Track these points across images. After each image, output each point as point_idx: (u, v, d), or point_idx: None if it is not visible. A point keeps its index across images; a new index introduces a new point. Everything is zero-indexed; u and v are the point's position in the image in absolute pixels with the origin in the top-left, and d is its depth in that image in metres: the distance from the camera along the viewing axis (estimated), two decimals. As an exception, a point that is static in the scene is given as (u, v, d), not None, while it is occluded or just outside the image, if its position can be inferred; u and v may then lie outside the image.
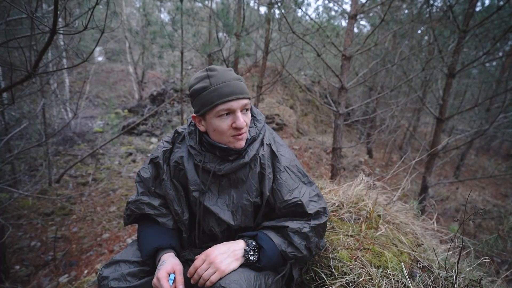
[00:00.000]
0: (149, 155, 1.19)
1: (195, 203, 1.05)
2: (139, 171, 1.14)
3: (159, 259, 0.98)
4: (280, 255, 0.98)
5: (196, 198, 1.04)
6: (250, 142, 1.03)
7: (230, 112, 0.95)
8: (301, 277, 1.19)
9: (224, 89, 0.92)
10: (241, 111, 0.96)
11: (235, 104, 0.93)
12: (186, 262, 1.06)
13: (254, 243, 0.95)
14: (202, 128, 1.02)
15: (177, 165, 1.07)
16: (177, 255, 1.04)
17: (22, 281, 3.51)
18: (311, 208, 1.01)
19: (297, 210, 1.01)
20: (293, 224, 0.98)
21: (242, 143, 0.99)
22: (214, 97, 0.92)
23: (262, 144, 1.07)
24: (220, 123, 0.95)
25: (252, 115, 1.10)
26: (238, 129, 0.95)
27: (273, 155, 1.06)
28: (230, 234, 1.08)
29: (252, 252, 0.93)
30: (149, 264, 1.01)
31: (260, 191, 1.03)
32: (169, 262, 0.95)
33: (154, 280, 0.91)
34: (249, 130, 1.05)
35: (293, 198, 1.00)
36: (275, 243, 0.97)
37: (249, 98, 1.00)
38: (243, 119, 0.95)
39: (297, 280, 1.09)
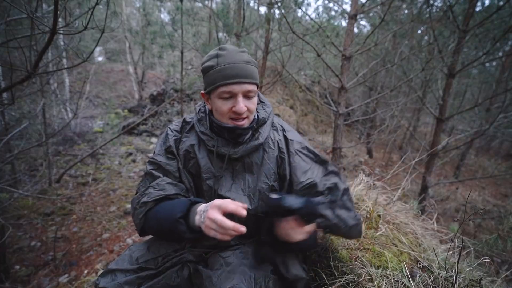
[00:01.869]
0: (158, 142, 1.11)
1: (209, 193, 1.02)
2: (152, 158, 1.05)
3: (196, 211, 0.86)
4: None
5: (210, 187, 1.01)
6: (261, 123, 1.03)
7: (232, 95, 0.92)
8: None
9: (228, 71, 0.90)
10: (244, 96, 0.93)
11: (237, 88, 0.90)
12: (186, 264, 1.03)
13: None
14: (209, 106, 1.02)
15: (187, 154, 1.05)
16: None
17: (22, 281, 3.51)
18: (323, 187, 1.01)
19: (312, 191, 1.00)
20: (314, 200, 0.96)
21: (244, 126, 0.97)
22: (217, 77, 0.91)
23: (275, 128, 1.08)
24: (221, 104, 0.94)
25: (260, 101, 1.10)
26: (237, 113, 0.93)
27: (286, 140, 1.07)
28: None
29: None
30: (146, 268, 0.95)
31: (278, 175, 1.03)
32: (215, 202, 0.82)
33: (207, 222, 0.79)
34: (258, 111, 1.05)
35: (308, 179, 1.00)
36: None
37: (257, 84, 0.96)
38: (244, 104, 0.92)
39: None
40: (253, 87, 0.93)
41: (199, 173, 1.03)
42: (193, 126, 1.09)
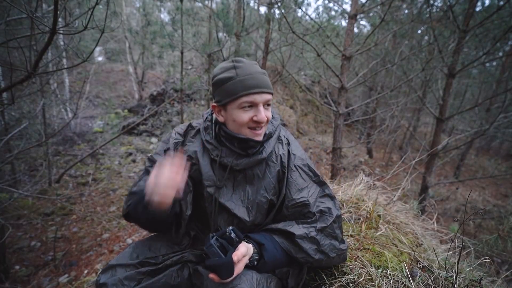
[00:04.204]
0: (160, 142, 1.15)
1: (209, 200, 1.04)
2: (151, 156, 1.09)
3: None
4: (279, 263, 0.99)
5: (211, 194, 1.02)
6: (266, 138, 1.04)
7: (253, 105, 0.94)
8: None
9: (250, 81, 0.92)
10: (263, 105, 0.96)
11: (258, 98, 0.93)
12: (186, 264, 1.04)
13: (257, 256, 0.95)
14: (221, 119, 1.02)
15: (189, 159, 1.06)
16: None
17: (22, 281, 3.51)
18: (316, 208, 1.01)
19: (303, 211, 1.01)
20: (299, 231, 0.98)
21: (259, 138, 0.99)
22: (239, 88, 0.92)
23: (280, 142, 1.09)
24: (241, 114, 0.95)
25: None
26: (258, 123, 0.95)
27: (289, 154, 1.08)
28: None
29: (252, 262, 0.94)
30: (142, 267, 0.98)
31: (278, 189, 1.04)
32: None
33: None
34: None
35: (301, 197, 1.01)
36: (284, 250, 0.98)
37: (272, 94, 0.99)
38: (265, 114, 0.95)
39: None
40: (271, 97, 0.98)
41: (200, 180, 1.04)
42: (198, 131, 1.10)
